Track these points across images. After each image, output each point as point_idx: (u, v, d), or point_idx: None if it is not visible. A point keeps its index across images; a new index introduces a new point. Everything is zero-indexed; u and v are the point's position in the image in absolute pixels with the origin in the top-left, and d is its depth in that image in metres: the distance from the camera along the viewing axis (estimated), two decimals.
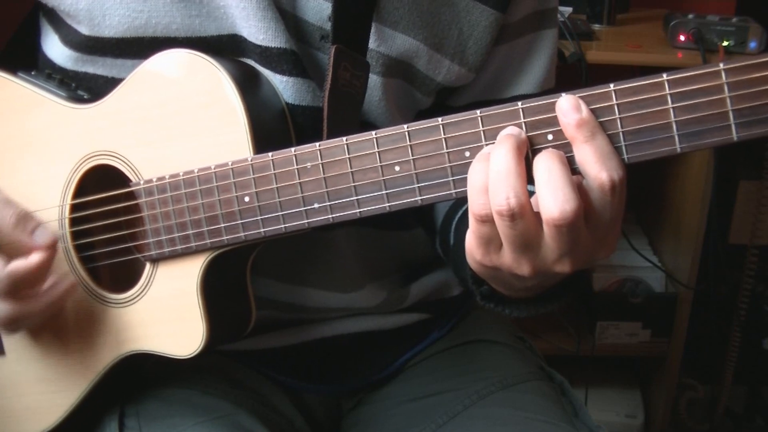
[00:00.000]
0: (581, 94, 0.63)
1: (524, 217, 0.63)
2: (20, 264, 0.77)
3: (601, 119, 0.63)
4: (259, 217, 0.76)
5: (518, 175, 0.63)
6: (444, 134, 0.68)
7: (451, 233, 0.92)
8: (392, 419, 0.99)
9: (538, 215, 0.64)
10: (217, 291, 0.82)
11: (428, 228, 1.02)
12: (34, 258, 0.77)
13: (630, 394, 2.13)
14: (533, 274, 0.67)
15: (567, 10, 1.93)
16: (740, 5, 2.05)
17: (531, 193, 0.65)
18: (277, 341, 0.98)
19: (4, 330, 0.81)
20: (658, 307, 1.94)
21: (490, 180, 0.64)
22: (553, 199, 0.62)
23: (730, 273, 2.02)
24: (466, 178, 0.66)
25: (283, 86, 0.82)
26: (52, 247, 0.79)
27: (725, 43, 1.73)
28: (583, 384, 1.97)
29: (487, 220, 0.65)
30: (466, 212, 0.73)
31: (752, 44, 1.73)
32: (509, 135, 0.64)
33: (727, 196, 1.96)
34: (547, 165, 0.63)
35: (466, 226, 0.68)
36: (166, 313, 0.82)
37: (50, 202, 0.86)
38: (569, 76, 1.66)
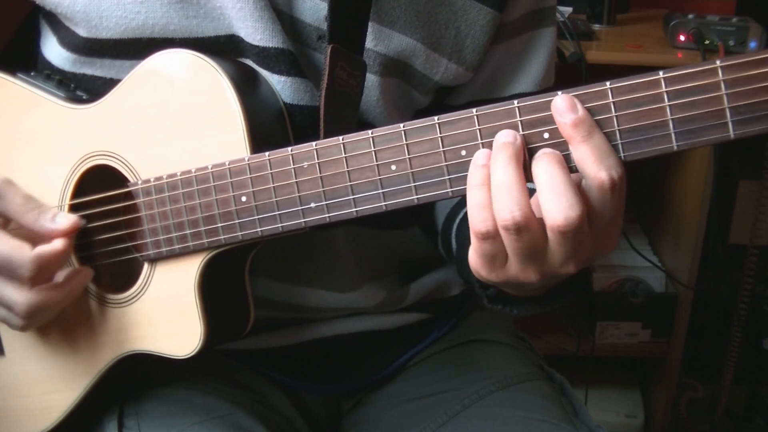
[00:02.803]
0: (577, 93, 0.63)
1: (530, 228, 0.63)
2: (46, 248, 0.77)
3: (598, 117, 0.63)
4: (256, 217, 0.76)
5: (519, 186, 0.63)
6: (440, 133, 0.68)
7: (452, 236, 0.92)
8: (392, 419, 0.99)
9: (541, 222, 0.64)
10: (214, 291, 0.82)
11: (428, 227, 1.02)
12: (59, 243, 0.78)
13: (630, 394, 2.12)
14: (540, 279, 0.67)
15: (567, 10, 1.93)
16: (740, 5, 2.05)
17: (531, 191, 0.64)
18: (276, 341, 0.98)
19: (20, 324, 0.80)
20: (658, 307, 1.94)
21: (493, 195, 0.63)
22: (557, 205, 0.62)
23: (730, 273, 2.02)
24: (462, 177, 0.66)
25: (281, 86, 0.82)
26: (74, 231, 0.80)
27: (725, 43, 1.73)
28: (583, 384, 1.97)
29: (489, 236, 0.65)
30: (467, 214, 0.73)
31: (752, 44, 1.73)
32: (505, 144, 0.64)
33: (727, 196, 1.96)
34: (547, 170, 0.63)
35: (468, 229, 0.68)
36: (164, 313, 0.82)
37: (49, 203, 0.86)
38: (569, 76, 1.66)
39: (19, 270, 0.76)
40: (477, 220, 0.65)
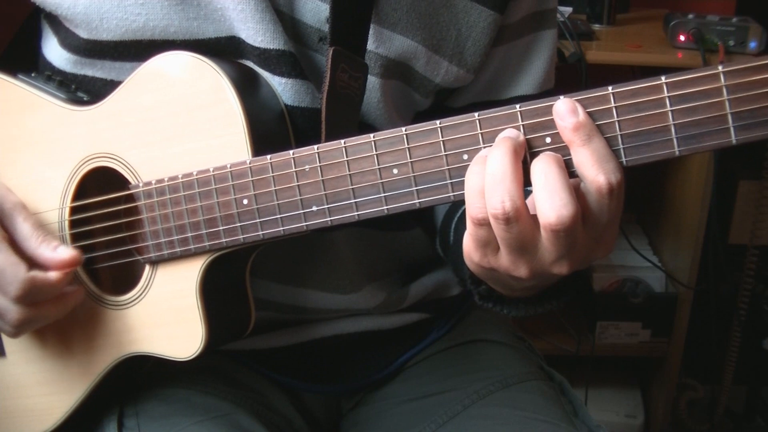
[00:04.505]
0: (579, 97, 0.63)
1: (519, 220, 0.63)
2: (40, 276, 0.77)
3: (599, 122, 0.63)
4: (257, 220, 0.76)
5: (514, 178, 0.63)
6: (442, 137, 0.68)
7: (450, 233, 0.92)
8: (392, 419, 0.99)
9: (534, 218, 0.64)
10: (216, 293, 0.82)
11: (428, 228, 1.02)
12: (54, 275, 0.78)
13: (630, 394, 2.13)
14: (530, 275, 0.67)
15: (567, 10, 1.93)
16: (740, 5, 2.05)
17: (529, 193, 0.65)
18: (276, 341, 0.98)
19: (11, 332, 0.81)
20: (658, 307, 1.95)
21: (486, 183, 0.64)
22: (550, 203, 0.62)
23: (730, 273, 2.02)
24: (463, 181, 0.66)
25: (282, 88, 0.82)
26: (73, 265, 0.80)
27: (725, 43, 1.73)
28: (583, 384, 1.97)
29: (484, 223, 0.65)
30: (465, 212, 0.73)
31: (752, 44, 1.73)
32: (506, 138, 0.64)
33: (727, 196, 1.96)
34: (544, 169, 0.63)
35: (465, 226, 0.68)
36: (165, 316, 0.82)
37: (50, 205, 0.86)
38: (569, 76, 1.66)
39: (8, 286, 0.77)
40: (474, 206, 0.65)
